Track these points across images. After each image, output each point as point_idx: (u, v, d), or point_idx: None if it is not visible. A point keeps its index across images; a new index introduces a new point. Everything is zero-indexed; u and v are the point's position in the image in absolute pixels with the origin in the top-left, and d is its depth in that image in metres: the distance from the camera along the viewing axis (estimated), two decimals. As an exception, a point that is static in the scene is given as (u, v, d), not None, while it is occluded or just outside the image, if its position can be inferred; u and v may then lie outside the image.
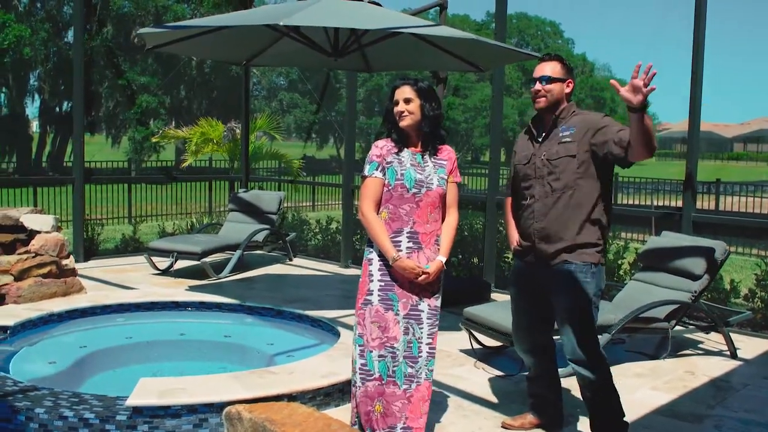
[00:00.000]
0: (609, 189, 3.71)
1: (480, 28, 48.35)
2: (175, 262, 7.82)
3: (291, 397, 3.96)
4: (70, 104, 27.72)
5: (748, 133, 68.62)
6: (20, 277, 5.90)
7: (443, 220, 3.60)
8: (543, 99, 3.70)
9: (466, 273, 8.13)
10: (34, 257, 6.05)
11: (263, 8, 7.72)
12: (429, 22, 6.11)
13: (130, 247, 9.35)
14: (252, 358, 5.20)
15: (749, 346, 5.81)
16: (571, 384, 4.55)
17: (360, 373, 3.47)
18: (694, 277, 5.42)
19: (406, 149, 3.54)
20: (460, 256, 8.25)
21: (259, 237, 8.41)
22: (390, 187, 3.48)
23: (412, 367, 3.49)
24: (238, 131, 13.07)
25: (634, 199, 19.08)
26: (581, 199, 3.58)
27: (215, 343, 5.64)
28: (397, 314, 3.45)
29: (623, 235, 11.80)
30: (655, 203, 15.91)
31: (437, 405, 4.25)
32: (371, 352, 3.44)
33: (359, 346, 3.49)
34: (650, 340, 5.62)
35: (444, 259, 3.56)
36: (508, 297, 6.79)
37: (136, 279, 7.47)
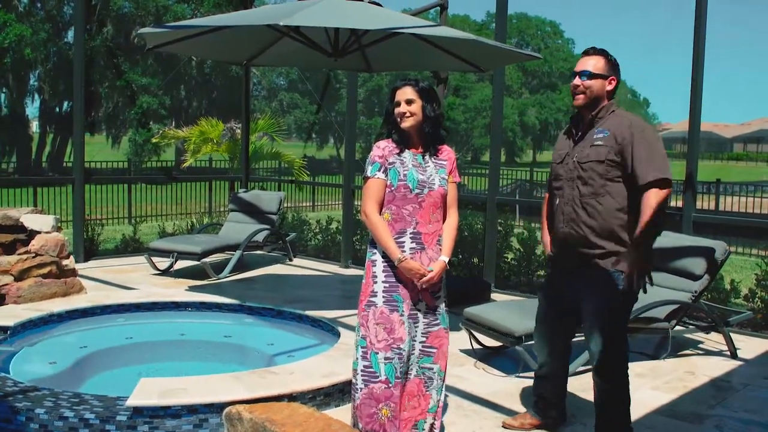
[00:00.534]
0: (638, 193, 3.52)
1: (480, 28, 48.37)
2: (175, 262, 7.82)
3: (291, 398, 3.96)
4: (70, 104, 27.74)
5: (749, 134, 68.61)
6: (20, 277, 5.90)
7: (444, 221, 3.60)
8: (582, 96, 3.57)
9: (466, 273, 8.13)
10: (34, 257, 6.05)
11: (263, 8, 7.72)
12: (429, 22, 6.11)
13: (130, 247, 9.35)
14: (252, 359, 5.20)
15: (749, 346, 5.81)
16: (574, 385, 4.55)
17: (363, 375, 3.46)
18: (695, 277, 5.42)
19: (407, 150, 3.54)
20: (461, 257, 8.25)
21: (259, 237, 8.41)
22: (393, 188, 3.48)
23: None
24: (237, 131, 13.07)
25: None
26: (609, 206, 3.48)
27: (215, 343, 5.64)
28: (402, 315, 3.45)
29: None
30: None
31: (437, 405, 4.25)
32: (376, 354, 3.43)
33: (362, 347, 3.47)
34: (650, 340, 5.63)
35: (447, 259, 3.56)
36: (508, 297, 6.81)
37: (137, 279, 7.46)
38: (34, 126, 33.41)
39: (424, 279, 3.45)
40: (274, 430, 3.42)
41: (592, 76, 3.54)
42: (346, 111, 9.13)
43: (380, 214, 3.50)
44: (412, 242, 3.47)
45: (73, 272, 6.34)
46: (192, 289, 7.03)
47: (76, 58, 8.18)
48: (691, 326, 5.85)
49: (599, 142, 3.51)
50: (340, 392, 4.19)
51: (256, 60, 7.25)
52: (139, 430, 3.66)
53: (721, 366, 5.29)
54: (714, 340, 5.90)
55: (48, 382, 4.34)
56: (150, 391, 3.81)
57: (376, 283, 3.48)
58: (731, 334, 5.66)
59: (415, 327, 3.52)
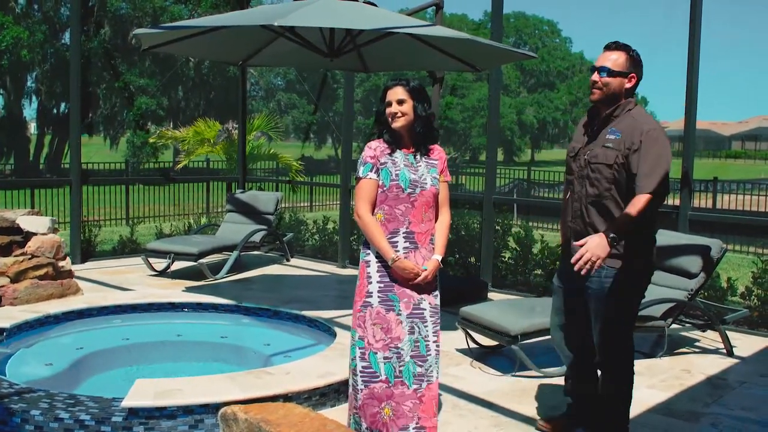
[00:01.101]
0: None
1: (477, 27, 48.31)
2: (172, 263, 7.81)
3: (287, 398, 3.96)
4: (67, 106, 27.65)
5: (747, 131, 68.63)
6: (16, 279, 5.90)
7: (436, 220, 3.60)
8: (598, 92, 3.48)
9: (463, 272, 8.13)
10: (30, 259, 6.04)
11: (259, 8, 7.72)
12: (424, 22, 6.12)
13: (127, 248, 9.35)
14: (249, 359, 5.20)
15: (746, 343, 5.81)
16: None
17: (362, 376, 3.46)
18: (691, 276, 5.43)
19: (398, 150, 3.54)
20: (457, 256, 8.25)
21: (256, 237, 8.41)
22: (385, 188, 3.48)
23: (421, 366, 3.49)
24: (234, 133, 13.07)
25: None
26: (614, 209, 3.47)
27: (212, 344, 5.64)
28: (399, 314, 3.45)
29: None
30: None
31: (433, 404, 4.25)
32: (375, 353, 3.43)
33: (360, 348, 3.47)
34: (647, 338, 5.63)
35: (440, 258, 3.56)
36: (504, 296, 6.82)
37: (134, 280, 7.46)
38: (32, 127, 33.38)
39: (419, 278, 3.45)
40: (270, 431, 3.42)
41: (611, 73, 3.45)
42: (343, 111, 9.13)
43: (373, 215, 3.50)
44: (405, 242, 3.47)
45: (70, 274, 6.34)
46: (189, 289, 7.03)
47: (73, 61, 8.17)
48: (687, 324, 5.86)
49: (610, 144, 3.46)
50: (335, 392, 4.19)
51: (251, 60, 7.25)
52: (135, 431, 3.66)
53: (717, 364, 5.30)
54: (710, 338, 5.91)
55: (44, 383, 4.33)
56: (145, 391, 3.81)
57: (371, 283, 3.48)
58: (728, 332, 5.67)
59: (425, 327, 3.51)
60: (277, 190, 11.26)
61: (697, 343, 5.83)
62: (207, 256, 7.91)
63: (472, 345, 5.36)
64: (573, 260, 3.29)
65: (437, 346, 3.56)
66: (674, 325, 5.58)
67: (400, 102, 3.50)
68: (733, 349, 5.54)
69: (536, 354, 5.25)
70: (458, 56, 6.38)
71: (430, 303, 3.55)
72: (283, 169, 15.76)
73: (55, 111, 30.71)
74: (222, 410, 3.73)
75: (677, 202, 6.63)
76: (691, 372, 5.09)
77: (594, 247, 3.27)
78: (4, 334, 5.15)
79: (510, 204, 12.87)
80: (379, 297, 3.46)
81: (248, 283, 7.68)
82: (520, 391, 4.58)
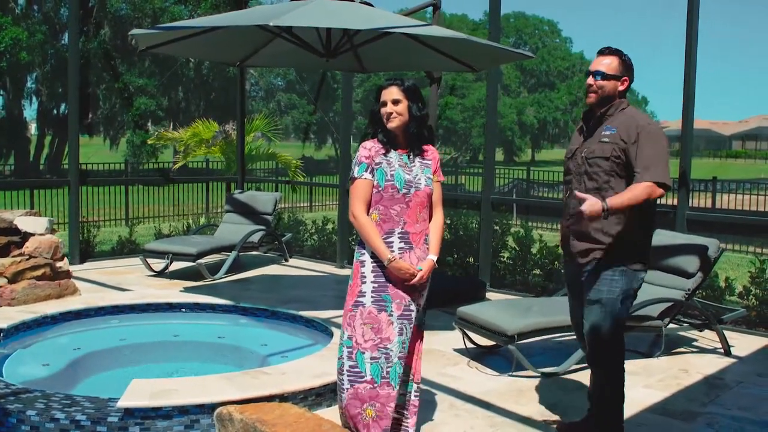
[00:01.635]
0: None
1: (477, 27, 48.32)
2: (171, 263, 7.82)
3: (283, 398, 3.96)
4: (68, 107, 27.66)
5: (747, 131, 68.61)
6: (14, 279, 5.90)
7: (430, 220, 3.60)
8: (594, 95, 3.64)
9: (461, 272, 8.13)
10: (27, 260, 6.04)
11: (255, 9, 7.72)
12: (420, 21, 6.11)
13: (126, 249, 9.35)
14: (246, 359, 5.19)
15: (744, 343, 5.81)
16: (572, 385, 4.56)
17: (348, 375, 3.46)
18: (688, 275, 5.42)
19: (393, 150, 3.54)
20: (456, 256, 8.25)
21: (255, 238, 8.41)
22: (380, 189, 3.48)
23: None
24: (233, 133, 13.07)
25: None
26: None
27: (209, 344, 5.64)
28: (390, 315, 3.45)
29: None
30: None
31: (430, 404, 4.25)
32: (363, 353, 3.43)
33: (347, 347, 3.48)
34: (644, 338, 5.62)
35: (435, 258, 3.56)
36: (502, 296, 6.82)
37: (132, 281, 7.46)
38: (33, 128, 33.39)
39: (415, 279, 3.45)
40: (265, 431, 3.42)
41: (605, 76, 3.61)
42: (341, 111, 9.13)
43: (368, 215, 3.50)
44: (400, 242, 3.47)
45: (67, 274, 6.34)
46: (187, 290, 7.04)
47: (71, 62, 8.18)
48: (684, 324, 5.86)
49: (606, 139, 3.57)
50: (332, 392, 4.18)
51: (249, 61, 7.24)
52: (130, 431, 3.66)
53: (714, 363, 5.29)
54: (708, 337, 5.90)
55: (41, 384, 4.33)
56: (141, 392, 3.81)
57: (364, 283, 3.48)
58: (725, 331, 5.66)
59: (410, 327, 3.52)
60: (276, 191, 11.27)
61: (694, 343, 5.83)
62: (205, 257, 7.92)
63: (470, 345, 5.35)
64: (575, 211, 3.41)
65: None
66: (672, 325, 5.57)
67: (395, 102, 3.50)
68: (731, 348, 5.54)
69: (533, 354, 5.25)
70: (455, 56, 6.37)
71: (419, 305, 3.56)
72: (282, 169, 15.76)
73: (55, 112, 30.73)
74: (218, 410, 3.73)
75: (675, 201, 6.63)
76: (688, 372, 5.09)
77: (588, 206, 3.36)
78: (1, 334, 5.15)
79: (509, 204, 12.87)
80: (372, 297, 3.45)
81: (246, 283, 7.68)
82: (516, 391, 4.58)
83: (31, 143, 30.73)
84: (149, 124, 29.51)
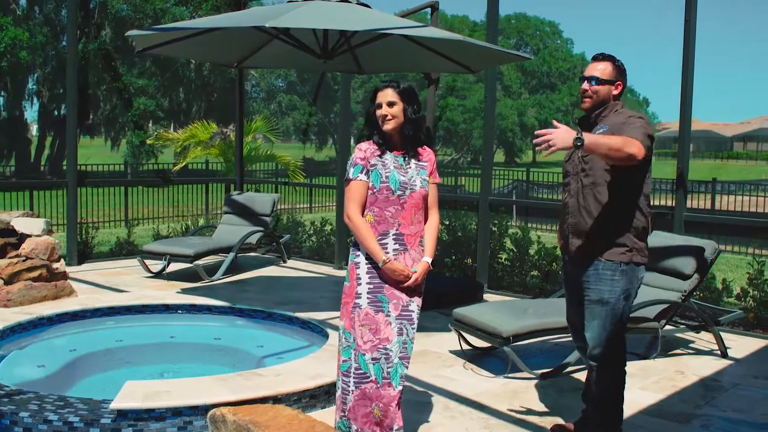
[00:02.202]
0: (640, 188, 3.62)
1: (478, 28, 48.31)
2: (168, 264, 7.82)
3: (276, 399, 3.96)
4: (66, 108, 27.68)
5: (748, 132, 68.53)
6: (10, 280, 5.91)
7: (426, 221, 3.60)
8: (589, 100, 3.70)
9: (459, 274, 8.12)
10: (24, 261, 6.05)
11: (252, 10, 7.71)
12: (416, 23, 6.11)
13: (124, 250, 9.35)
14: (242, 361, 5.19)
15: (741, 345, 5.80)
16: (572, 385, 4.55)
17: (355, 377, 3.45)
18: (684, 277, 5.41)
19: (388, 152, 3.54)
20: (454, 257, 8.24)
21: (253, 239, 8.41)
22: (375, 190, 3.48)
23: (406, 367, 3.51)
24: (231, 134, 13.06)
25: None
26: (609, 197, 3.59)
27: (205, 345, 5.64)
28: (388, 315, 3.44)
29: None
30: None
31: (425, 406, 4.25)
32: (363, 355, 3.43)
33: (353, 350, 3.47)
34: (641, 339, 5.62)
35: (430, 260, 3.56)
36: (500, 298, 6.81)
37: (130, 282, 7.46)
38: (34, 129, 33.41)
39: (410, 281, 3.45)
40: (257, 433, 3.42)
41: (600, 81, 3.67)
42: (340, 112, 9.13)
43: (363, 216, 3.50)
44: (395, 243, 3.47)
45: (64, 275, 6.34)
46: (184, 291, 7.03)
47: (69, 64, 8.19)
48: (681, 326, 5.85)
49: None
50: (326, 394, 4.18)
51: (247, 62, 7.24)
52: (123, 433, 3.66)
53: (711, 365, 5.28)
54: (705, 339, 5.89)
55: (36, 385, 4.33)
56: (134, 393, 3.81)
57: (360, 284, 3.48)
58: (723, 333, 5.65)
59: (413, 329, 3.52)
60: (276, 192, 11.27)
61: (691, 345, 5.82)
62: (203, 258, 7.91)
63: (465, 346, 5.34)
64: (535, 139, 3.27)
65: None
66: (668, 327, 5.57)
67: (391, 104, 3.50)
68: (728, 350, 5.53)
69: (529, 355, 5.25)
70: (452, 57, 6.37)
71: (418, 305, 3.55)
72: (282, 170, 15.77)
73: (56, 113, 30.75)
74: (211, 412, 3.73)
75: (673, 203, 6.62)
76: (684, 373, 5.08)
77: (560, 133, 3.24)
78: (-3, 335, 5.15)
79: (509, 205, 12.86)
80: (368, 298, 3.45)
81: (244, 284, 7.67)
82: (511, 393, 4.57)
83: (32, 144, 30.75)
84: (150, 124, 29.50)
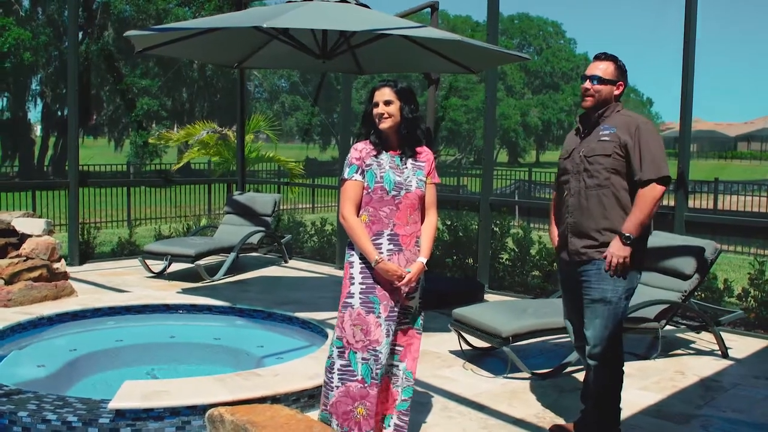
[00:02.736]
0: None
1: (479, 29, 48.27)
2: (169, 265, 7.83)
3: (275, 399, 3.96)
4: (68, 109, 27.73)
5: (752, 132, 68.35)
6: (10, 280, 5.92)
7: (422, 222, 3.59)
8: (590, 99, 3.70)
9: (460, 274, 8.11)
10: (24, 261, 6.06)
11: (251, 10, 7.70)
12: (415, 23, 6.10)
13: (126, 250, 9.36)
14: (242, 361, 5.19)
15: (741, 345, 5.79)
16: (570, 385, 4.54)
17: (339, 373, 3.45)
18: (685, 277, 5.40)
19: (385, 152, 3.53)
20: (455, 257, 8.23)
21: (254, 239, 8.41)
22: (369, 190, 3.48)
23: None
24: (230, 135, 13.07)
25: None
26: (613, 198, 3.59)
27: (205, 345, 5.64)
28: (378, 317, 3.44)
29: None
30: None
31: (423, 406, 4.25)
32: (355, 353, 3.43)
33: (338, 348, 3.48)
34: (641, 340, 5.61)
35: (425, 261, 3.55)
36: (500, 298, 6.80)
37: (131, 282, 7.47)
38: (37, 130, 33.48)
39: (403, 281, 3.44)
40: (255, 432, 3.42)
41: (602, 81, 3.68)
42: (341, 112, 9.13)
43: (358, 216, 3.50)
44: (389, 244, 3.47)
45: (65, 275, 6.35)
46: (185, 291, 7.04)
47: (70, 64, 8.20)
48: (682, 326, 5.83)
49: (606, 138, 3.63)
50: (324, 394, 4.18)
51: (246, 62, 7.24)
52: (121, 433, 3.66)
53: (711, 366, 5.27)
54: (706, 339, 5.88)
55: (36, 385, 4.33)
56: (132, 393, 3.81)
57: (353, 284, 3.48)
58: (724, 333, 5.64)
59: (394, 327, 3.52)
60: (278, 192, 11.27)
61: (692, 345, 5.80)
62: (204, 258, 7.92)
63: (465, 347, 5.34)
64: (605, 268, 3.56)
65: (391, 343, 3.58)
66: (669, 327, 5.55)
67: (387, 103, 3.50)
68: (728, 350, 5.51)
69: (529, 356, 5.25)
70: (452, 58, 6.37)
71: (411, 307, 3.57)
72: (284, 170, 15.78)
73: (59, 113, 30.80)
74: (209, 412, 3.73)
75: (673, 203, 6.60)
76: (684, 374, 5.07)
77: (615, 250, 3.52)
78: (-3, 335, 5.16)
79: (510, 205, 12.85)
80: (360, 298, 3.45)
81: (245, 284, 7.68)
82: (510, 393, 4.57)
83: (35, 145, 30.82)
84: (153, 124, 29.54)
